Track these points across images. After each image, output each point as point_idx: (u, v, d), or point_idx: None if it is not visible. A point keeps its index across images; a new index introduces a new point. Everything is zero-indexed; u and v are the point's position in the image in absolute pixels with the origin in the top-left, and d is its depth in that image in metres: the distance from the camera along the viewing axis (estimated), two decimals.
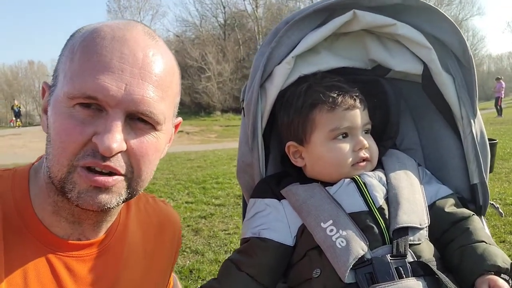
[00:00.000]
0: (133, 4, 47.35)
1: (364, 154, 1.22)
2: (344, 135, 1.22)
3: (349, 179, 1.18)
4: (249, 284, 1.12)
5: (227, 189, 6.81)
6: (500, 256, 1.05)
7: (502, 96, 21.91)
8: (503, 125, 14.03)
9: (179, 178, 7.91)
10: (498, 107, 21.16)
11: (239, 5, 45.12)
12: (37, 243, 0.89)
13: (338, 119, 1.20)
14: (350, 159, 1.20)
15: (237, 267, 1.13)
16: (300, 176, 1.28)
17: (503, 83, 21.92)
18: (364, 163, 1.22)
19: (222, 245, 4.40)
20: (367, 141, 1.23)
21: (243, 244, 1.20)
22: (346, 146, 1.21)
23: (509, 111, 23.18)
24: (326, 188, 1.19)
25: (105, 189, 0.85)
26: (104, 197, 0.85)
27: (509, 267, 1.03)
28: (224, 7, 44.48)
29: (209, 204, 6.01)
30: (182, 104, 1.06)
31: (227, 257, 1.21)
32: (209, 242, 4.53)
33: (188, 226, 5.07)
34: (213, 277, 1.19)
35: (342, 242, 1.05)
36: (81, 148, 0.82)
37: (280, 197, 1.22)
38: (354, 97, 1.22)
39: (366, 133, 1.26)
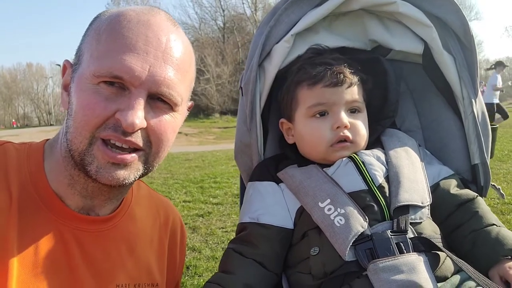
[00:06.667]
0: None
1: (344, 133, 1.16)
2: (323, 112, 1.18)
3: (347, 158, 1.15)
4: (258, 270, 1.08)
5: (225, 188, 6.77)
6: None
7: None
8: (500, 128, 14.04)
9: (177, 178, 7.87)
10: None
11: (238, 8, 45.29)
12: (49, 214, 0.92)
13: (316, 96, 1.17)
14: (327, 138, 1.16)
15: (241, 255, 1.10)
16: (298, 158, 1.25)
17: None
18: (344, 144, 1.16)
19: (219, 242, 4.37)
20: (352, 120, 1.17)
21: (242, 231, 1.16)
22: (323, 125, 1.17)
23: None
24: (324, 169, 1.17)
25: (123, 165, 0.88)
26: (122, 173, 0.89)
27: None
28: (223, 10, 44.60)
29: (206, 203, 5.97)
30: None
31: (227, 247, 1.15)
32: (206, 240, 4.49)
33: (186, 224, 5.03)
34: (216, 272, 1.12)
35: (341, 220, 1.02)
36: (103, 122, 0.85)
37: (278, 180, 1.20)
38: (338, 73, 1.16)
39: (353, 112, 1.19)
